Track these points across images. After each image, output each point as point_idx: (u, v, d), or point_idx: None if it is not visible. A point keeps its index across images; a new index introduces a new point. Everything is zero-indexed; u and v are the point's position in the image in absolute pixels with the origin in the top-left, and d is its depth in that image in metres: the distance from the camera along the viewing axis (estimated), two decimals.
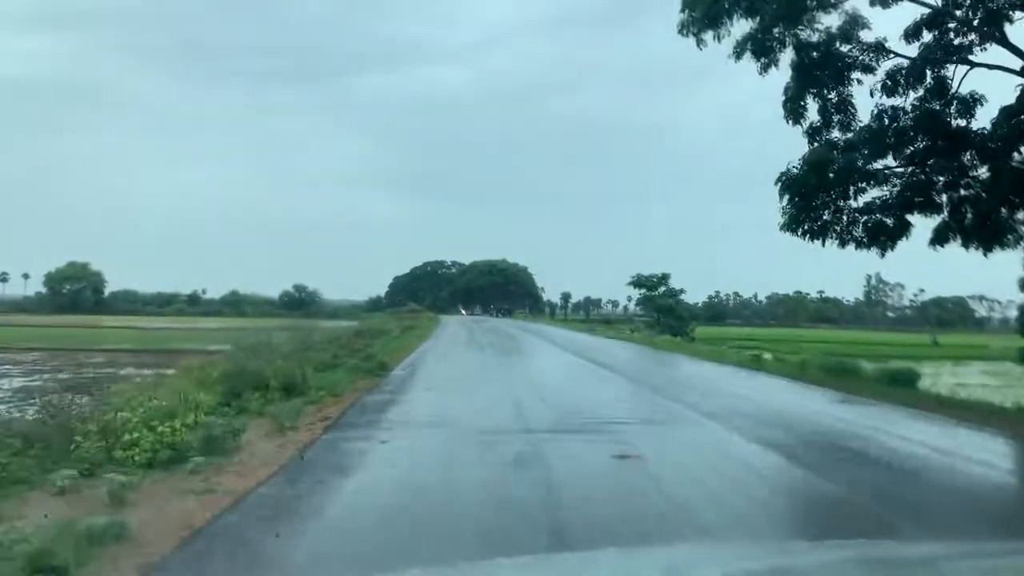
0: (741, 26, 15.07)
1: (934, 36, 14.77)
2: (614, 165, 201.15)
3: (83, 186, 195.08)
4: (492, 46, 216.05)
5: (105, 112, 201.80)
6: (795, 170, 15.06)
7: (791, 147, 15.64)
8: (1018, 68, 13.89)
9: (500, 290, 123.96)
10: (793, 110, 15.71)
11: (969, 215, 14.64)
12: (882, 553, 2.08)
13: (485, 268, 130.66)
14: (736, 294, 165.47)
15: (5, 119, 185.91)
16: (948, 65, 14.83)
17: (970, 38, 14.54)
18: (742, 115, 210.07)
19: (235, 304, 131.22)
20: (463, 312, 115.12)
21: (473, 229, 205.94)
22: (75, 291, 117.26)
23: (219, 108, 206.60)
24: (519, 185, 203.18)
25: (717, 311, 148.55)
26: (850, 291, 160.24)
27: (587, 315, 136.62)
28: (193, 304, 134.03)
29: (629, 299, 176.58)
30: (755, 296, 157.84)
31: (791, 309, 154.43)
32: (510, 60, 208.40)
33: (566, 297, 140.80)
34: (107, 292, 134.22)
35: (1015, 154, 14.09)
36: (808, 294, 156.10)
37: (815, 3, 15.05)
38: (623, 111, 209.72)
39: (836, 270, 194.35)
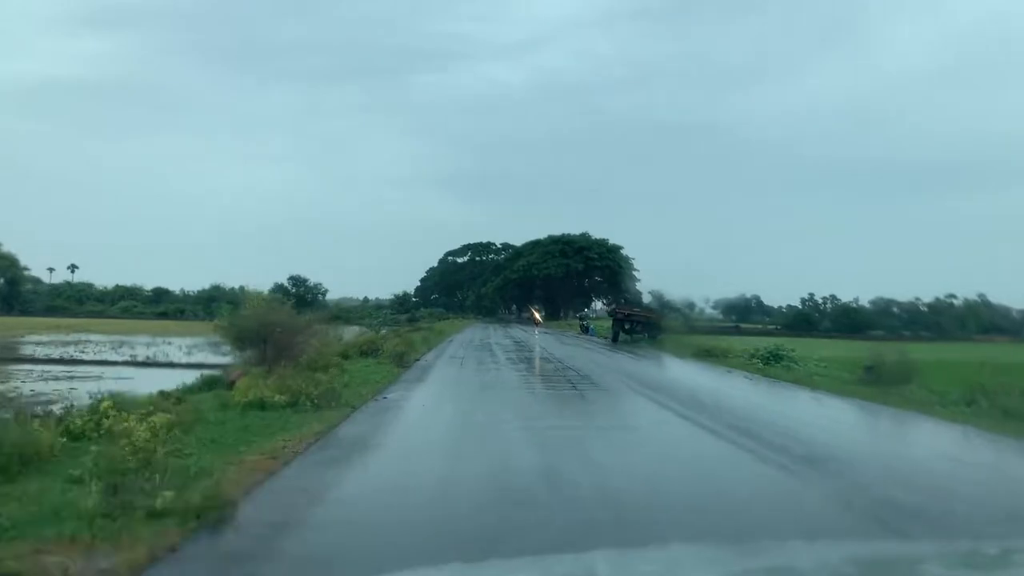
0: None
1: None
2: (676, 163, 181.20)
3: (134, 186, 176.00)
4: (547, 42, 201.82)
5: (153, 112, 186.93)
6: None
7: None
8: None
9: (576, 281, 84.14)
10: None
11: None
12: (879, 553, 2.12)
13: (555, 248, 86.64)
14: (833, 297, 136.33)
15: (59, 120, 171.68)
16: None
17: None
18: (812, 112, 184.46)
19: (206, 302, 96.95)
20: (536, 318, 63.94)
21: (528, 230, 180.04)
22: None
23: (269, 107, 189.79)
24: (576, 185, 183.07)
25: (854, 319, 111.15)
26: (1005, 294, 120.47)
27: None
28: (156, 301, 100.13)
29: (706, 301, 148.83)
30: (856, 300, 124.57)
31: (959, 317, 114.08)
32: (565, 57, 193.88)
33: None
34: (48, 283, 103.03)
35: None
36: (953, 298, 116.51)
37: None
38: (684, 108, 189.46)
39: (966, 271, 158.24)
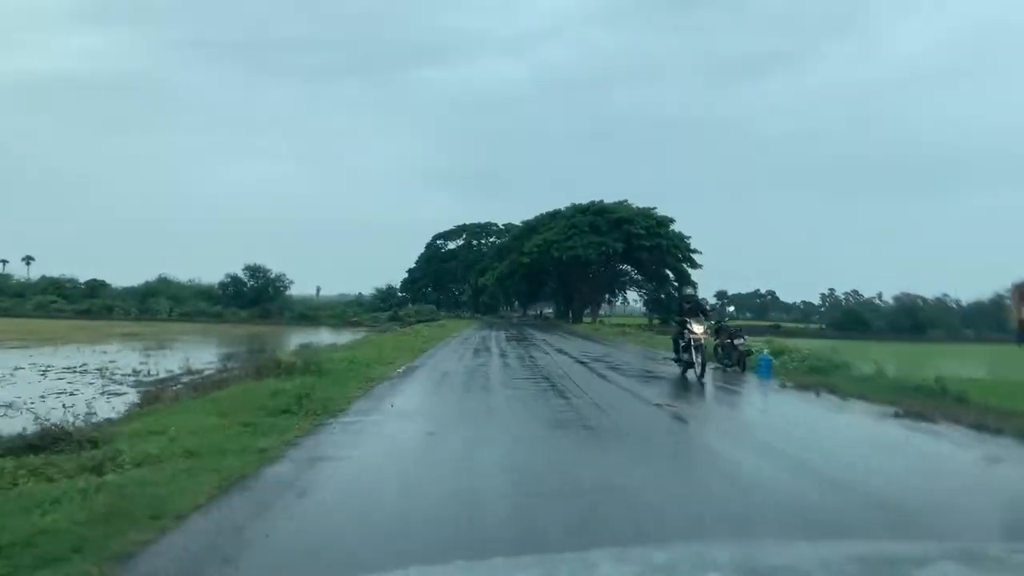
0: None
1: None
2: (680, 159, 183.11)
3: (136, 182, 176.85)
4: (551, 36, 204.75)
5: (151, 110, 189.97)
6: None
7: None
8: None
9: (608, 267, 64.72)
10: None
11: None
12: (885, 553, 2.13)
13: (582, 220, 61.24)
14: (855, 292, 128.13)
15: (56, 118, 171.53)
16: None
17: None
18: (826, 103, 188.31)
19: (144, 296, 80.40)
20: (697, 333, 15.43)
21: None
22: None
23: (270, 104, 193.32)
24: (580, 182, 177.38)
25: (917, 318, 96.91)
26: None
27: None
28: (91, 296, 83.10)
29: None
30: (879, 295, 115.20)
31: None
32: (570, 51, 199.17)
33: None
34: None
35: None
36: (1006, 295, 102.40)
37: None
38: (688, 102, 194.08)
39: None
